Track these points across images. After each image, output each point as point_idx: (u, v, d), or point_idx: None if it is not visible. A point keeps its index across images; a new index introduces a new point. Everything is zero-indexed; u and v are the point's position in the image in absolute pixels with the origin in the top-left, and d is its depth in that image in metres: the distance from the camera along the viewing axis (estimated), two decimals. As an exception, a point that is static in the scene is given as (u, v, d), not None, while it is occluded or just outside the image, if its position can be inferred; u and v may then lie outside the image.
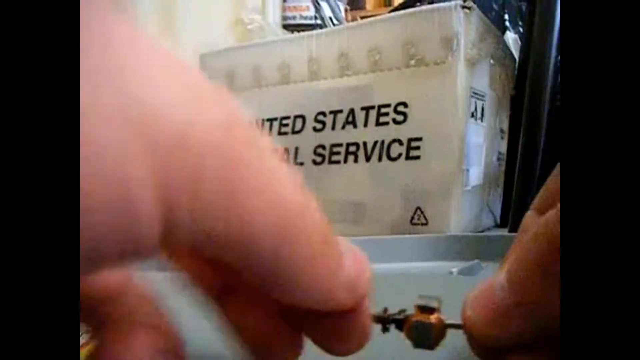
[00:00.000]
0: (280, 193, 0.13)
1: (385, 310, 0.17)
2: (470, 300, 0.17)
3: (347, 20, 1.29)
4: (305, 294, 0.14)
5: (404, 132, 0.52)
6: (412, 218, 0.52)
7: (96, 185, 0.10)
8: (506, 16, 0.75)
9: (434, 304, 0.17)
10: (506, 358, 0.16)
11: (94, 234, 0.10)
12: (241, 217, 0.12)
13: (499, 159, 0.63)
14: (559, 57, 0.53)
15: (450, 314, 0.17)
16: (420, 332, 0.17)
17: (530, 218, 0.19)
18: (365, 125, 0.54)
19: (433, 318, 0.17)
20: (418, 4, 0.70)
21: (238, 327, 0.16)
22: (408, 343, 0.17)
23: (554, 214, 0.14)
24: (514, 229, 0.53)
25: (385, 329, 0.17)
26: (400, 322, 0.17)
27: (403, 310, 0.17)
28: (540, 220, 0.14)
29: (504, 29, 0.73)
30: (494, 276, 0.16)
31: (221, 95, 0.12)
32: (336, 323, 0.16)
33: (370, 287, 0.16)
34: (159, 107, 0.11)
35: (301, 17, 1.59)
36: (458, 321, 0.17)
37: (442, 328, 0.17)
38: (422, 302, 0.17)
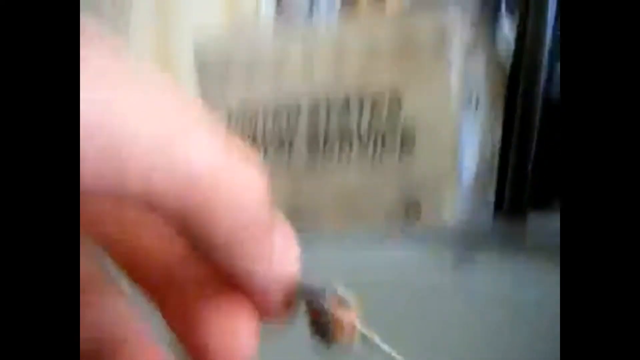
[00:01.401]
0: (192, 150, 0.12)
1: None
2: None
3: (342, 15, 1.28)
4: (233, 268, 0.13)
5: (399, 125, 0.52)
6: (407, 211, 0.52)
7: None
8: (502, 8, 0.75)
9: (350, 302, 0.14)
10: None
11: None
12: (133, 177, 0.11)
13: (493, 152, 0.63)
14: (552, 49, 0.53)
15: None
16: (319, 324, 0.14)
17: None
18: (360, 118, 0.54)
19: (344, 314, 0.14)
20: (413, -4, 0.69)
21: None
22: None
23: None
24: (507, 221, 0.53)
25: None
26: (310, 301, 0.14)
27: (323, 289, 0.15)
28: None
29: (499, 21, 0.73)
30: None
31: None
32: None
33: (297, 267, 0.14)
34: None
35: (296, 12, 1.58)
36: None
37: (349, 330, 0.14)
38: (340, 293, 0.14)
